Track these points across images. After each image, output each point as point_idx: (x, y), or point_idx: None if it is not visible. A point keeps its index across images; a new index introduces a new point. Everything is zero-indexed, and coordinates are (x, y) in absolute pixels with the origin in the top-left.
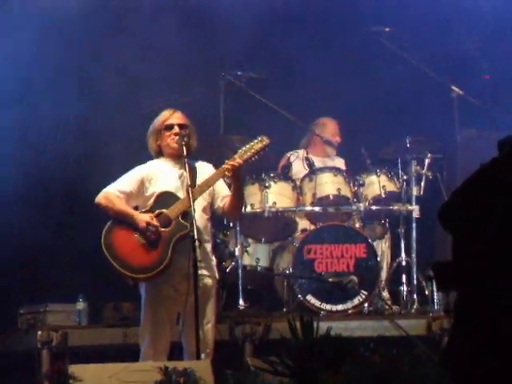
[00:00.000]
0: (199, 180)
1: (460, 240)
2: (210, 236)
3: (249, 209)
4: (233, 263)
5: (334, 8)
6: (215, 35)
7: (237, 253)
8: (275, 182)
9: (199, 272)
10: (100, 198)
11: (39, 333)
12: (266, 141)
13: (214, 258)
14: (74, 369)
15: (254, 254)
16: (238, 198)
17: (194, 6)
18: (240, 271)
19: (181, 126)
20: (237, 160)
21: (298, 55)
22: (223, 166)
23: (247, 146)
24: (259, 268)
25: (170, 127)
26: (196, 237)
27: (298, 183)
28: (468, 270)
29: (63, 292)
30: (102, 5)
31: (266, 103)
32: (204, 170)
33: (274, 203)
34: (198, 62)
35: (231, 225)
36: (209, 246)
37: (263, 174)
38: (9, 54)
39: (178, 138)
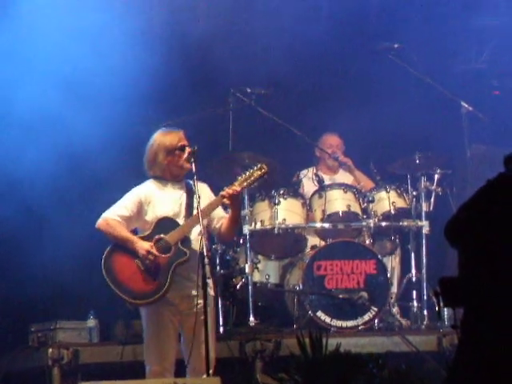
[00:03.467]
0: (200, 201)
1: (466, 256)
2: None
3: (259, 225)
4: (243, 280)
5: (343, 24)
6: (223, 53)
7: (247, 269)
8: (285, 199)
9: (196, 292)
10: (100, 223)
11: (50, 350)
12: (264, 168)
13: (210, 278)
14: None
15: (264, 271)
16: (234, 222)
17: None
18: (250, 288)
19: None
20: (235, 188)
21: (305, 71)
22: (221, 192)
23: (247, 174)
24: (269, 284)
25: (183, 148)
26: (205, 254)
27: (307, 200)
28: (474, 286)
29: (74, 309)
30: None
31: (275, 119)
32: (202, 190)
33: (284, 220)
34: (206, 80)
35: (241, 241)
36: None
37: (273, 191)
38: None
39: (189, 159)
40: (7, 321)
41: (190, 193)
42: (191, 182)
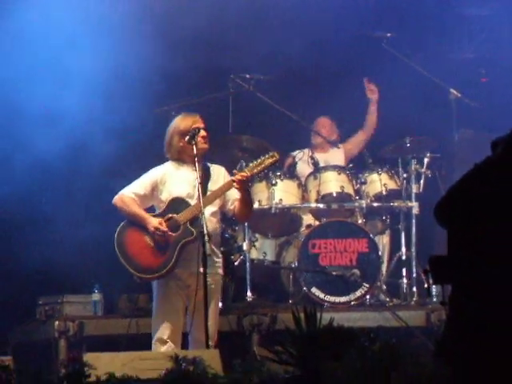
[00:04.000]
0: (212, 183)
1: (455, 235)
2: (219, 239)
3: (256, 205)
4: (241, 257)
5: (337, 13)
6: (224, 39)
7: (245, 247)
8: (281, 180)
9: (208, 270)
10: (116, 199)
11: (56, 323)
12: (276, 156)
13: (220, 258)
14: (89, 357)
15: (262, 249)
16: (246, 205)
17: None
18: (248, 265)
19: (205, 129)
20: (245, 173)
21: (301, 58)
22: (232, 177)
23: (258, 161)
24: (266, 262)
25: (198, 130)
26: (206, 232)
27: (303, 181)
28: (462, 264)
29: (80, 284)
30: None
31: (272, 104)
32: (217, 172)
33: (281, 200)
34: (208, 65)
35: None
36: (217, 247)
37: (270, 173)
38: None
39: (205, 140)
40: (16, 294)
41: (207, 175)
42: (208, 164)
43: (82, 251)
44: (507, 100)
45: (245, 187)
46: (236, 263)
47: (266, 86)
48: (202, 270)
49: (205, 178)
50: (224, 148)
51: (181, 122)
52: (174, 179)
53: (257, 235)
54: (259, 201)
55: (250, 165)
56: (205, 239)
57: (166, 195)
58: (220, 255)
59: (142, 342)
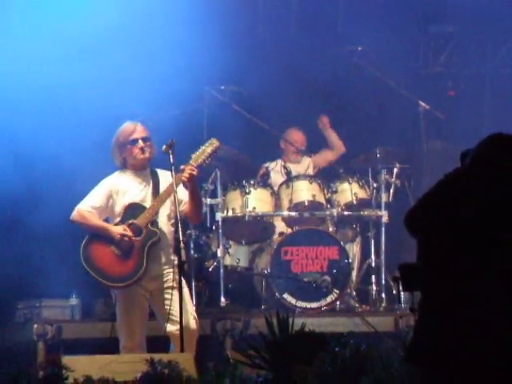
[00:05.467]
0: (162, 188)
1: (424, 244)
2: (172, 241)
3: (231, 213)
4: (215, 263)
5: (310, 27)
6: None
7: (219, 254)
8: (255, 189)
9: (165, 270)
10: (74, 215)
11: (35, 326)
12: (216, 143)
13: (175, 258)
14: (67, 360)
15: (235, 255)
16: (196, 201)
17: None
18: (222, 271)
19: (143, 139)
20: (191, 167)
21: (272, 70)
22: (180, 173)
23: (199, 151)
24: (239, 268)
25: (134, 141)
26: (181, 238)
27: (275, 190)
28: (431, 271)
29: (57, 288)
30: None
31: (246, 115)
32: (166, 178)
33: (254, 208)
34: (184, 77)
35: (214, 228)
36: (171, 249)
37: (244, 181)
38: None
39: (143, 151)
40: None
41: (155, 180)
42: (156, 169)
43: (59, 256)
44: (474, 112)
45: (194, 180)
46: (210, 269)
47: (241, 98)
48: (161, 272)
49: (154, 182)
50: None
51: (120, 133)
52: (125, 188)
53: (230, 242)
54: (233, 209)
55: (193, 156)
56: (180, 245)
57: (120, 205)
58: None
59: (118, 345)
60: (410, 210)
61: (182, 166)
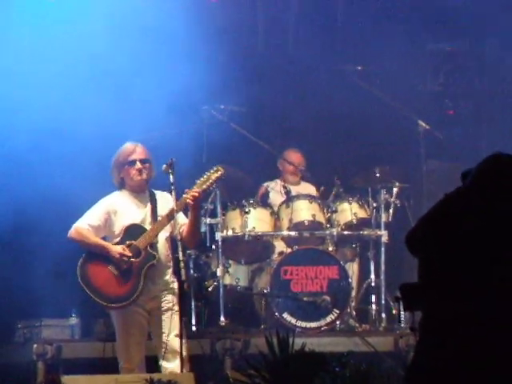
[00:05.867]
0: (161, 209)
1: (425, 264)
2: (171, 262)
3: (230, 232)
4: (215, 283)
5: (309, 47)
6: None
7: (218, 273)
8: (255, 208)
9: (163, 292)
10: (72, 233)
11: (35, 346)
12: (221, 170)
13: (175, 280)
14: (67, 380)
15: (235, 275)
16: (194, 226)
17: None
18: (221, 290)
19: (142, 161)
20: (196, 191)
21: (274, 91)
22: (183, 196)
23: (204, 177)
24: (239, 287)
25: (132, 163)
26: (181, 258)
27: (275, 209)
28: (432, 291)
29: (57, 308)
30: None
31: (245, 134)
32: (165, 199)
33: (254, 228)
34: (183, 96)
35: (213, 247)
36: (170, 271)
37: (244, 201)
38: None
39: (140, 172)
40: None
41: (154, 201)
42: (154, 191)
43: (58, 276)
44: (473, 132)
45: (197, 205)
46: (210, 289)
47: (240, 117)
48: (159, 293)
49: (152, 204)
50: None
51: (120, 153)
52: (124, 208)
53: (230, 261)
54: (233, 228)
55: (198, 182)
56: (180, 265)
57: (118, 225)
58: (173, 279)
59: (118, 365)
60: (411, 229)
61: (186, 190)
